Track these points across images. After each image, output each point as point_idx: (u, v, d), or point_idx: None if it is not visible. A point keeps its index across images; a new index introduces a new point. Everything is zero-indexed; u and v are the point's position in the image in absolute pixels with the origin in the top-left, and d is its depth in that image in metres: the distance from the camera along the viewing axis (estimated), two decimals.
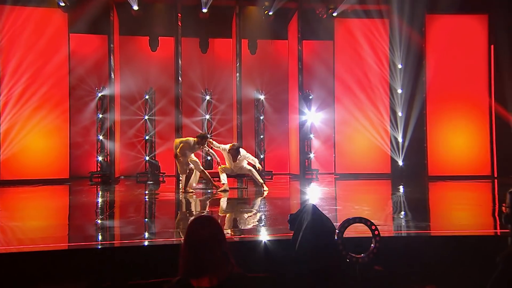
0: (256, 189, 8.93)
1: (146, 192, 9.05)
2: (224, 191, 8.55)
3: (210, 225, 2.15)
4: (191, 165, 8.61)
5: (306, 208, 2.74)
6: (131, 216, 5.94)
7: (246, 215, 5.81)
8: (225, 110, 13.62)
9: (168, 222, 5.69)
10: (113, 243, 4.48)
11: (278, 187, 10.08)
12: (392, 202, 7.53)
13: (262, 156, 13.06)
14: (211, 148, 8.82)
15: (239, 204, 7.40)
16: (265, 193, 8.29)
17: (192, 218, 2.64)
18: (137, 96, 13.41)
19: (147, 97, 13.26)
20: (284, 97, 13.63)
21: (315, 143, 13.38)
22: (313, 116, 12.90)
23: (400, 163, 12.32)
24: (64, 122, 12.00)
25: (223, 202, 7.52)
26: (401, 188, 9.66)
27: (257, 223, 5.26)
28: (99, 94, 12.54)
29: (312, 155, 12.92)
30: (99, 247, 4.05)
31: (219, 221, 2.10)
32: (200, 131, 12.28)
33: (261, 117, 13.45)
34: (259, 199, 7.88)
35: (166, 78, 12.96)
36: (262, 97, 13.51)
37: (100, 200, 8.09)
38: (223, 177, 8.65)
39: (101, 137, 12.49)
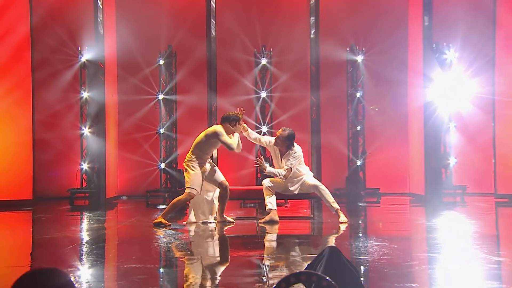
0: (328, 219, 8.37)
1: (162, 229, 7.61)
2: (271, 222, 7.89)
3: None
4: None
5: (324, 253, 2.97)
6: None
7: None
8: (291, 84, 13.16)
9: None
10: None
11: (387, 217, 9.51)
12: None
13: (359, 163, 12.67)
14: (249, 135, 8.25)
15: (297, 246, 6.58)
16: (343, 226, 7.66)
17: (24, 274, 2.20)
18: (144, 62, 13.08)
19: (161, 62, 12.76)
20: (399, 59, 13.13)
21: (458, 139, 12.70)
22: (453, 92, 12.28)
23: None
24: (24, 109, 11.65)
25: (270, 242, 6.80)
26: None
27: None
28: (82, 60, 11.95)
29: (453, 161, 12.24)
30: None
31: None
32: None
33: (357, 94, 12.77)
34: (332, 237, 7.14)
35: (192, 32, 13.00)
36: (359, 58, 12.87)
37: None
38: (270, 199, 8.03)
39: (86, 132, 11.93)
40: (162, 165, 12.52)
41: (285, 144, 7.94)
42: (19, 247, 6.65)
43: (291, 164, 7.88)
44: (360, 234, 7.26)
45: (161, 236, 6.95)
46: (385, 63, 12.95)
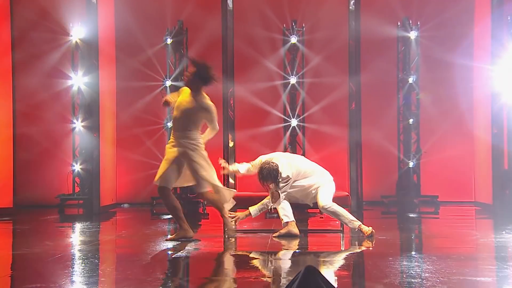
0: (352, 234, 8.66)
1: (172, 245, 7.72)
2: (289, 235, 8.19)
3: None
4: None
5: (299, 273, 3.26)
6: None
7: None
8: (325, 67, 13.05)
9: None
10: None
11: (446, 231, 9.50)
12: None
13: (411, 164, 12.70)
14: None
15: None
16: (371, 238, 7.98)
17: None
18: (147, 41, 13.10)
19: (168, 41, 12.77)
20: (462, 35, 13.17)
21: None
22: None
23: None
24: (2, 97, 11.75)
25: (279, 261, 6.80)
26: None
27: None
28: (73, 39, 12.12)
29: None
30: None
31: None
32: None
33: (410, 79, 12.77)
34: (361, 254, 7.33)
35: (204, 4, 13.19)
36: (412, 35, 12.87)
37: None
38: (285, 210, 8.27)
39: (79, 126, 12.09)
40: None
41: (269, 183, 8.16)
42: None
43: (281, 190, 8.18)
44: (413, 253, 7.23)
45: (169, 251, 7.07)
46: (445, 41, 13.03)
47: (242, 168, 8.45)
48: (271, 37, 13.12)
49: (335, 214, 8.18)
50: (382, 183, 12.75)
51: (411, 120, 12.61)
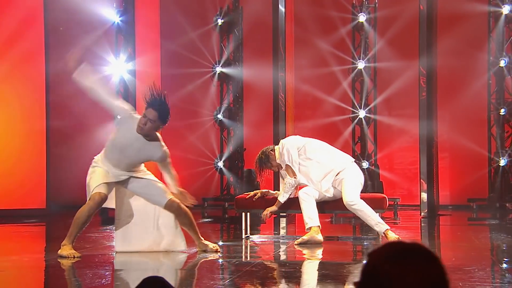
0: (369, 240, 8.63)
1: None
2: (312, 242, 7.95)
3: None
4: None
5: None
6: None
7: None
8: (393, 49, 12.51)
9: None
10: None
11: None
12: None
13: (503, 162, 12.22)
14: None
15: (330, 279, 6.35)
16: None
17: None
18: (192, 22, 12.98)
19: (219, 22, 12.61)
20: None
21: None
22: None
23: None
24: (35, 86, 11.74)
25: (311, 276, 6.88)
26: None
27: None
28: (116, 21, 11.79)
29: None
30: None
31: None
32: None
33: (501, 62, 12.11)
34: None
35: None
36: (504, 10, 12.08)
37: None
38: (310, 213, 7.95)
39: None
40: (221, 164, 12.47)
41: (265, 167, 8.21)
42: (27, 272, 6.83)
43: (291, 163, 8.07)
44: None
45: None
46: None
47: (283, 192, 8.20)
48: (332, 15, 12.68)
49: (361, 213, 7.93)
50: (470, 184, 12.31)
51: (502, 110, 11.88)
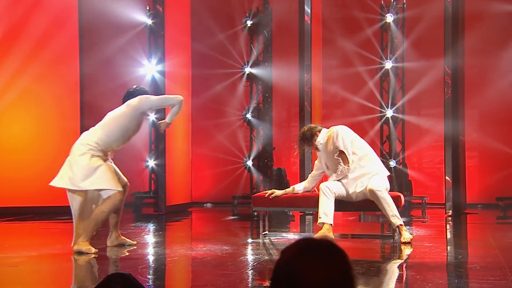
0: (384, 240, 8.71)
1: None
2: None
3: None
4: None
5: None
6: None
7: None
8: (419, 48, 12.41)
9: None
10: None
11: None
12: None
13: None
14: None
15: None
16: (406, 249, 7.64)
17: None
18: (220, 23, 13.11)
19: (249, 23, 12.62)
20: None
21: None
22: None
23: None
24: (70, 87, 11.86)
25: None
26: None
27: None
28: (148, 23, 11.86)
29: None
30: None
31: None
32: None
33: None
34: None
35: None
36: None
37: None
38: (326, 209, 7.91)
39: (153, 117, 11.85)
40: (250, 162, 12.54)
41: (308, 144, 8.18)
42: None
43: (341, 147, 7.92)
44: None
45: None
46: None
47: (306, 183, 8.27)
48: (359, 16, 12.54)
49: (382, 200, 7.83)
50: (498, 183, 12.11)
51: None
